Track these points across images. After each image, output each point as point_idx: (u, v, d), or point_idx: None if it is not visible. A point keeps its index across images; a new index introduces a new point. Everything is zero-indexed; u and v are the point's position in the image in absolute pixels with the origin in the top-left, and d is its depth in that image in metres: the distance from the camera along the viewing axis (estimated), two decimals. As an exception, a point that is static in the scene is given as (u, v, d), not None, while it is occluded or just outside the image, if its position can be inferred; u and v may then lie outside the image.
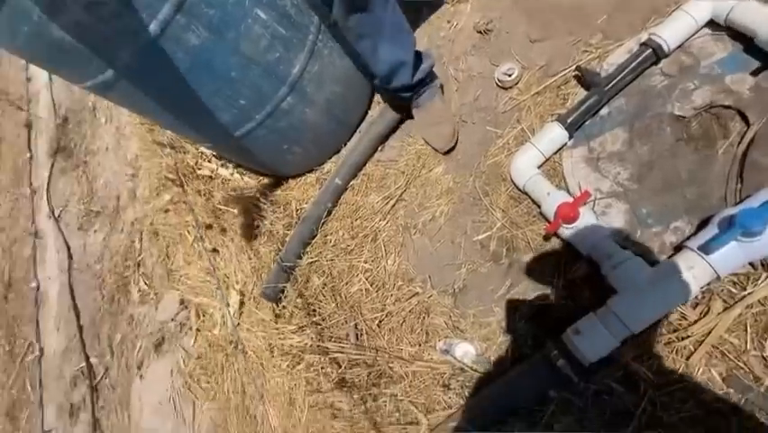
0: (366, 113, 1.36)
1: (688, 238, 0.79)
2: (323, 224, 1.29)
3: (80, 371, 2.41)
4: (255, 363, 1.48)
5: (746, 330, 0.72)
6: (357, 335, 1.09)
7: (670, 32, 0.87)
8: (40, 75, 3.21)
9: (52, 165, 2.85)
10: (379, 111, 1.28)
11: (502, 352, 0.91)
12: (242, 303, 1.59)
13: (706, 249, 0.71)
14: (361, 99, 1.32)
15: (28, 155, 3.09)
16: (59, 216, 2.73)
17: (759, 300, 0.72)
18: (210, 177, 1.73)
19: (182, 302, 1.90)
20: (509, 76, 1.12)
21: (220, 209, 1.71)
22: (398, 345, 1.03)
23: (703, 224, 0.79)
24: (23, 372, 2.73)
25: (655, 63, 0.92)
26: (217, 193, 1.69)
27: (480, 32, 1.23)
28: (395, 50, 1.03)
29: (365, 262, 1.18)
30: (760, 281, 0.73)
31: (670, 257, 0.77)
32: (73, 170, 2.76)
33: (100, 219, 2.58)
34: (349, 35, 1.00)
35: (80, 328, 2.58)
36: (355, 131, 1.37)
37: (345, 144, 1.37)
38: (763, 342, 0.71)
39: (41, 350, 2.67)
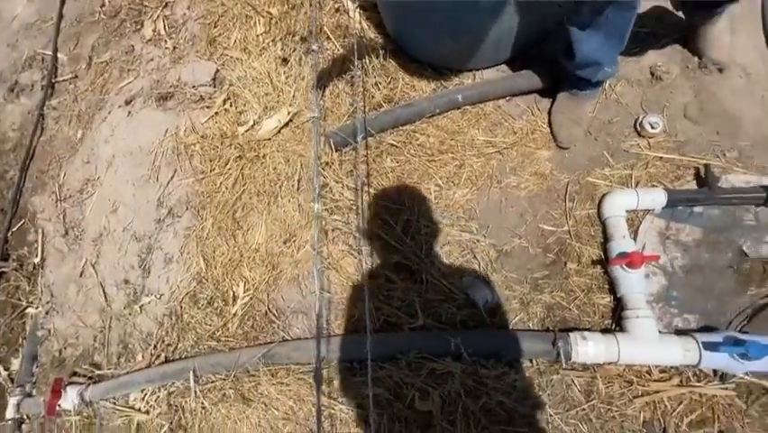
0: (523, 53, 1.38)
1: (690, 330, 1.03)
2: (421, 121, 1.33)
3: (41, 58, 2.19)
4: (271, 180, 1.49)
5: (680, 404, 0.99)
6: (404, 228, 1.20)
7: (791, 195, 1.06)
8: None
9: None
10: (533, 70, 1.33)
11: (512, 316, 1.10)
12: (286, 124, 1.57)
13: (707, 346, 0.94)
14: (532, 40, 1.35)
15: None
16: None
17: (701, 394, 0.99)
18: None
19: (215, 77, 1.81)
20: (652, 128, 1.24)
21: (321, 30, 1.62)
22: (433, 259, 1.17)
23: (704, 328, 1.03)
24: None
25: (758, 205, 1.11)
26: (328, 18, 1.59)
27: (653, 75, 1.32)
28: (602, 50, 1.09)
29: (440, 178, 1.27)
30: (711, 384, 0.99)
31: (677, 333, 1.00)
32: None
33: None
34: (582, 10, 1.04)
35: (61, 16, 2.31)
36: (504, 62, 1.40)
37: (483, 71, 1.40)
38: (683, 418, 0.99)
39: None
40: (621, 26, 1.07)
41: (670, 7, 1.38)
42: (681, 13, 1.34)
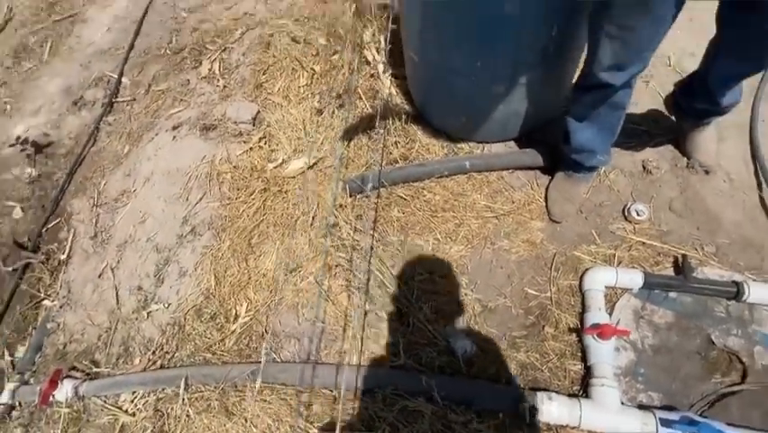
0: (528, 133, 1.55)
1: (652, 407, 1.08)
2: (430, 180, 1.48)
3: (107, 79, 2.46)
4: (289, 213, 1.64)
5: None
6: (399, 273, 1.32)
7: (760, 293, 1.14)
8: None
9: None
10: (536, 149, 1.48)
11: (487, 369, 1.18)
12: (311, 167, 1.75)
13: (663, 422, 0.99)
14: (536, 124, 1.52)
15: None
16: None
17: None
18: (368, 62, 1.85)
19: (256, 117, 2.02)
20: (638, 215, 1.36)
21: (355, 90, 1.83)
22: (422, 304, 1.27)
23: (666, 408, 1.08)
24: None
25: (729, 298, 1.19)
26: (363, 81, 1.81)
27: (644, 168, 1.46)
28: (596, 140, 1.25)
29: (439, 233, 1.40)
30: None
31: (638, 407, 1.06)
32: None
33: None
34: (577, 106, 1.21)
35: (132, 46, 2.61)
36: (511, 139, 1.56)
37: (492, 144, 1.56)
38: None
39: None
40: (612, 122, 1.23)
41: (665, 112, 1.55)
42: (674, 118, 1.49)
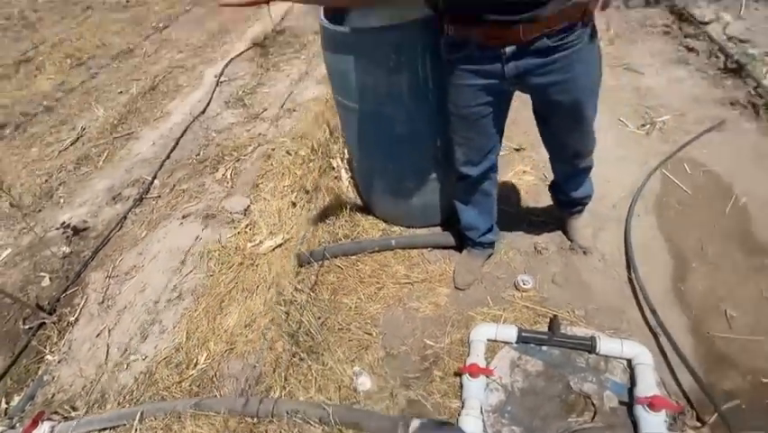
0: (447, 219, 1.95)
1: (513, 440, 1.26)
2: (363, 254, 1.86)
3: (143, 180, 3.08)
4: (255, 281, 2.02)
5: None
6: (323, 322, 1.62)
7: (609, 346, 1.37)
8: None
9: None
10: (450, 232, 1.86)
11: (380, 402, 1.40)
12: (279, 245, 2.16)
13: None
14: (449, 210, 1.92)
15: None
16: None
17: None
18: (332, 167, 2.39)
19: (246, 209, 2.52)
20: (524, 284, 1.65)
21: (321, 188, 2.34)
22: (336, 348, 1.55)
23: (527, 442, 1.26)
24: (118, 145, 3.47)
25: (588, 351, 1.42)
26: (330, 181, 2.32)
27: (536, 249, 1.79)
28: (478, 219, 1.63)
29: (363, 294, 1.73)
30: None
31: (495, 436, 1.24)
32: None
33: (247, 111, 3.32)
34: (458, 192, 1.61)
35: (168, 156, 3.28)
36: (433, 225, 1.96)
37: (417, 228, 1.96)
38: None
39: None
40: (487, 206, 1.61)
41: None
42: (558, 209, 1.87)
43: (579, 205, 1.71)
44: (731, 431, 1.20)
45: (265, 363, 1.61)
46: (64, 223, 2.79)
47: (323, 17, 1.48)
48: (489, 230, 1.69)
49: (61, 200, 3.07)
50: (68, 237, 2.73)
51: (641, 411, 1.22)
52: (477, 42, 1.14)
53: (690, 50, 2.83)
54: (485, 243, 1.71)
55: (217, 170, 3.05)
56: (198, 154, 3.29)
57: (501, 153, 1.56)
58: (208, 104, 3.93)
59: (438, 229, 1.98)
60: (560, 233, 1.84)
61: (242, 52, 4.96)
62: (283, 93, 3.82)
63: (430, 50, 1.36)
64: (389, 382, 1.46)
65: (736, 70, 2.49)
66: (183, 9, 6.96)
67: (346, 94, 1.58)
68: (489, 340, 1.50)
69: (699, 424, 1.24)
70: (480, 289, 1.71)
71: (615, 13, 3.59)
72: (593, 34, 1.17)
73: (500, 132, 1.40)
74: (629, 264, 1.68)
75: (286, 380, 1.50)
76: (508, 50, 1.12)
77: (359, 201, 2.18)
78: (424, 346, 1.56)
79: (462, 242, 1.79)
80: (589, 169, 1.59)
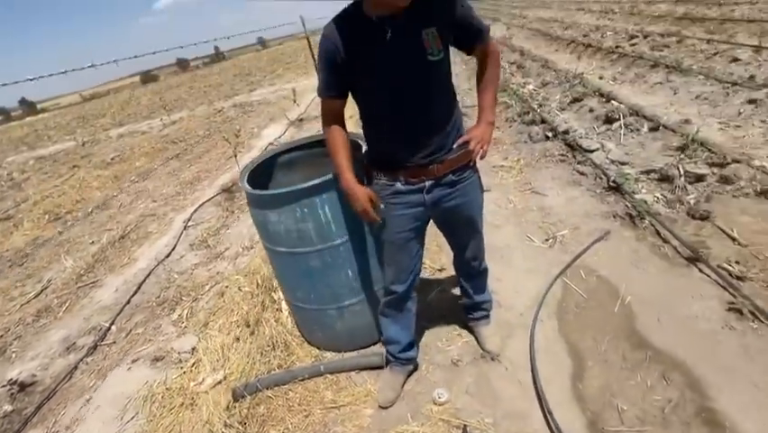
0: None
1: None
2: (294, 382, 1.97)
3: (99, 327, 3.17)
4: (193, 422, 2.06)
5: None
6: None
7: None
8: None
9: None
10: (375, 352, 2.02)
11: None
12: (220, 382, 2.24)
13: None
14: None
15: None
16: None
17: None
18: (274, 300, 2.60)
19: (194, 348, 2.62)
20: (439, 397, 1.78)
21: (262, 321, 2.51)
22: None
23: None
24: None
25: None
26: (271, 314, 2.51)
27: (452, 362, 1.95)
28: (399, 334, 1.82)
29: (290, 424, 1.81)
30: None
31: None
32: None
33: (210, 252, 3.59)
34: (382, 308, 1.84)
35: (128, 302, 3.43)
36: (362, 348, 2.12)
37: (347, 351, 2.11)
38: None
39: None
40: (407, 321, 1.82)
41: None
42: (471, 321, 2.08)
43: (482, 309, 1.96)
44: None
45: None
46: (11, 379, 2.80)
47: (245, 183, 1.85)
48: (410, 346, 1.88)
49: (13, 355, 3.10)
50: (12, 394, 2.73)
51: None
52: (403, 180, 1.53)
53: (581, 173, 3.37)
54: (405, 359, 1.88)
55: (174, 311, 3.20)
56: (158, 297, 3.46)
57: (426, 274, 1.84)
58: (174, 248, 4.23)
59: (368, 350, 2.13)
60: (474, 344, 2.03)
61: (211, 198, 5.47)
62: (245, 233, 4.17)
63: (328, 202, 1.71)
64: None
65: (616, 188, 2.98)
66: (161, 163, 7.72)
67: (268, 239, 1.89)
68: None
69: None
70: (401, 405, 1.82)
71: (524, 147, 4.28)
72: (476, 171, 1.64)
73: (421, 255, 1.74)
74: (533, 372, 1.84)
75: None
76: (428, 183, 1.52)
77: (296, 330, 2.35)
78: (343, 471, 1.60)
79: (387, 360, 1.95)
80: (485, 271, 1.96)
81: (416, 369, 1.95)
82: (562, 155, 3.77)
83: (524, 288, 2.33)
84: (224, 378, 2.27)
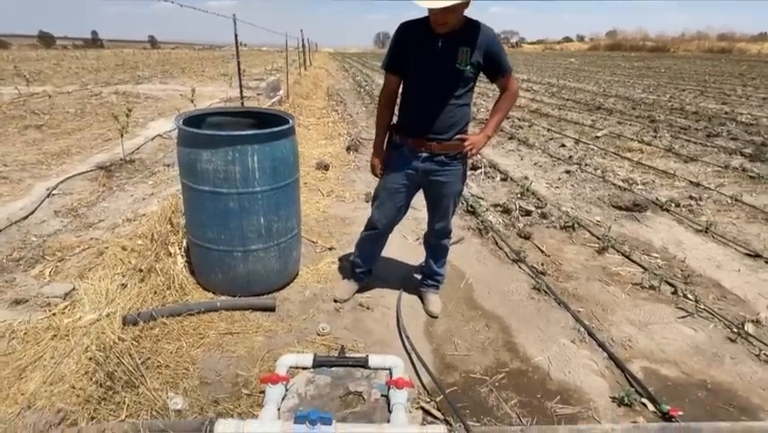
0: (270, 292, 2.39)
1: (302, 427, 1.60)
2: (189, 314, 2.14)
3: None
4: (62, 349, 2.04)
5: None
6: (141, 362, 1.80)
7: (376, 361, 1.90)
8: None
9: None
10: (266, 297, 2.30)
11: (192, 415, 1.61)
12: (106, 316, 2.25)
13: (296, 419, 1.53)
14: (273, 287, 2.38)
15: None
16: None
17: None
18: (170, 254, 2.69)
19: (69, 293, 2.54)
20: (323, 330, 2.15)
21: (156, 270, 2.58)
22: (154, 379, 1.73)
23: (313, 429, 1.61)
24: None
25: (363, 366, 1.92)
26: (166, 265, 2.60)
27: (335, 309, 2.34)
28: (368, 258, 2.24)
29: (186, 343, 1.98)
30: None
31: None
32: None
33: (80, 221, 3.41)
34: (362, 237, 2.18)
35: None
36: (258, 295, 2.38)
37: (243, 296, 2.36)
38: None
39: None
40: (374, 252, 2.36)
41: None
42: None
43: (435, 280, 2.51)
44: (450, 405, 1.77)
45: (73, 404, 1.65)
46: None
47: (181, 123, 2.09)
48: (369, 271, 2.43)
49: None
50: None
51: (392, 391, 1.73)
52: (409, 147, 2.04)
53: (448, 199, 4.18)
54: (362, 275, 2.44)
55: (34, 268, 2.99)
56: (11, 255, 3.17)
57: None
58: (32, 212, 3.89)
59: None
60: (355, 298, 2.46)
61: (84, 172, 5.09)
62: (124, 209, 4.04)
63: (258, 152, 2.05)
64: (201, 401, 1.68)
65: (472, 212, 3.82)
66: (17, 130, 6.84)
67: (193, 177, 2.12)
68: (291, 367, 1.89)
69: (428, 399, 1.79)
70: (289, 335, 2.13)
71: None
72: (464, 166, 2.13)
73: (404, 209, 2.25)
74: (398, 317, 2.34)
75: (95, 411, 1.59)
76: (424, 155, 2.02)
77: (192, 278, 2.50)
78: (236, 375, 1.85)
79: (349, 273, 2.48)
80: (447, 249, 2.48)
81: (365, 287, 2.53)
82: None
83: (399, 267, 2.87)
84: (109, 315, 2.29)
